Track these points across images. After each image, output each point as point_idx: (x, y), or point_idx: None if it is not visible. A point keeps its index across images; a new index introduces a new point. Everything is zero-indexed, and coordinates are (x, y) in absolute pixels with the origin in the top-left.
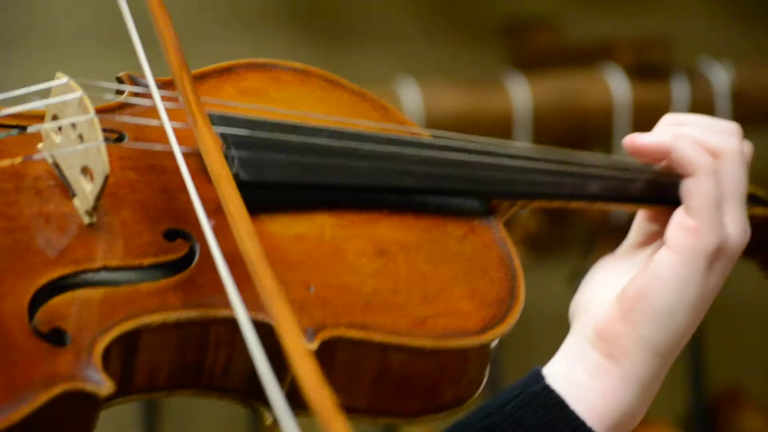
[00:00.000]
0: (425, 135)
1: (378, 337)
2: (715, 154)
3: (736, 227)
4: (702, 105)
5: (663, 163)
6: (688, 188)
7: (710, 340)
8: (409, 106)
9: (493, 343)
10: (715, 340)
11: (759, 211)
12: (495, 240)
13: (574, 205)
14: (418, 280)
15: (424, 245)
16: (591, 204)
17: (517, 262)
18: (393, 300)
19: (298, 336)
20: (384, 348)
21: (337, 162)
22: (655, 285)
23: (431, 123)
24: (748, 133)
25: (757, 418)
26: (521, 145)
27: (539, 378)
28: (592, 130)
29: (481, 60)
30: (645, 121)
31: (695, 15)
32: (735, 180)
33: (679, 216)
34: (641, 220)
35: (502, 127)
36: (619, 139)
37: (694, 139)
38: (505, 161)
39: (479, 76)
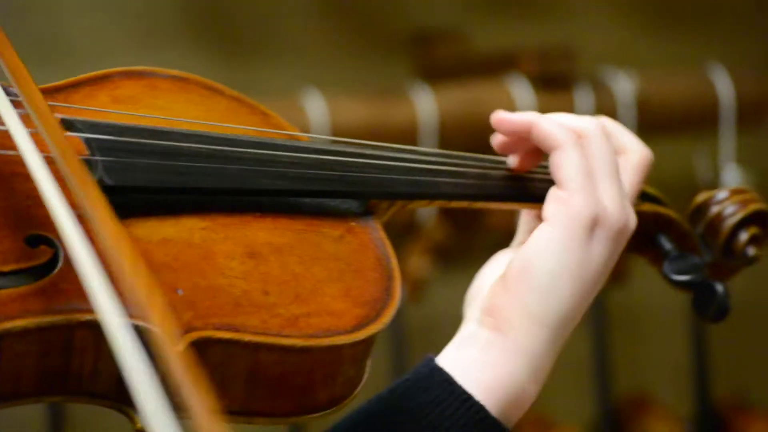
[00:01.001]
0: (304, 138)
1: (247, 338)
2: (578, 134)
3: (612, 200)
4: (606, 114)
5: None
6: (555, 161)
7: (616, 346)
8: (314, 118)
9: (370, 341)
10: (622, 346)
11: (647, 207)
12: (372, 240)
13: (455, 204)
14: (290, 281)
15: (298, 246)
16: (472, 203)
17: (394, 262)
18: (264, 300)
19: (170, 338)
20: (255, 348)
21: (207, 166)
22: (535, 256)
23: (337, 134)
24: (652, 141)
25: (663, 424)
26: (403, 147)
27: (429, 361)
28: None
29: (387, 71)
30: None
31: (599, 25)
32: (602, 155)
33: (552, 191)
34: (526, 219)
35: (408, 138)
36: None
37: (557, 118)
38: (382, 162)
39: (385, 87)
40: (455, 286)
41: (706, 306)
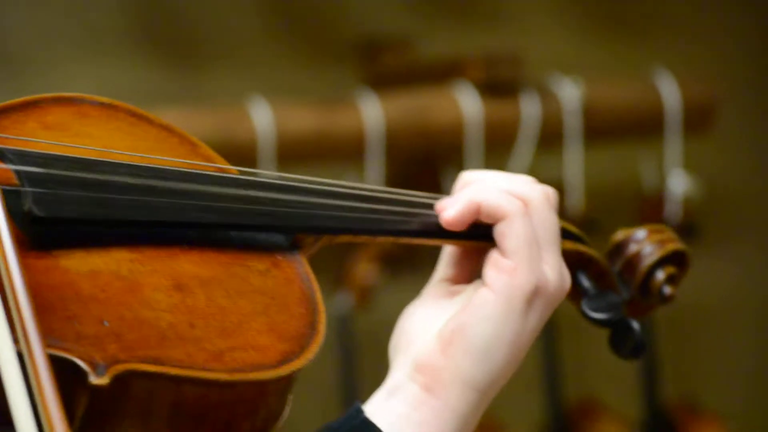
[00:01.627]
0: (233, 171)
1: (172, 371)
2: (523, 201)
3: (552, 269)
4: (552, 120)
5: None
6: (502, 230)
7: (566, 351)
8: (260, 126)
9: (294, 376)
10: (571, 351)
11: (569, 245)
12: (298, 274)
13: (381, 240)
14: (216, 314)
15: (225, 280)
16: (397, 239)
17: (318, 296)
18: (190, 334)
19: (44, 374)
20: (179, 381)
21: (135, 198)
22: (473, 321)
23: (283, 142)
24: (597, 147)
25: (612, 429)
26: (332, 181)
27: (359, 411)
28: (444, 146)
29: (335, 79)
30: (496, 137)
31: (545, 32)
32: (546, 224)
33: (495, 257)
34: (449, 255)
35: (354, 146)
36: (470, 155)
37: (500, 187)
38: (309, 198)
39: (332, 95)
40: (403, 293)
41: (623, 343)
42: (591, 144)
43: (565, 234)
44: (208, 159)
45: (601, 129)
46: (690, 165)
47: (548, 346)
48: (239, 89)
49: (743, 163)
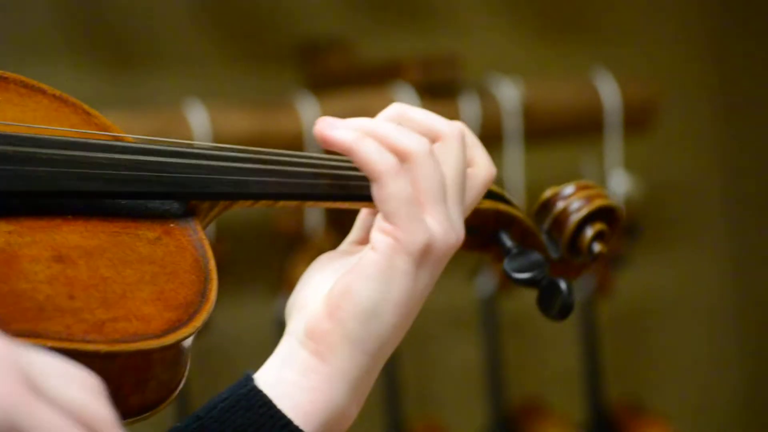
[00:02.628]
0: (128, 139)
1: (49, 344)
2: (403, 156)
3: (441, 225)
4: (492, 121)
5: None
6: (376, 195)
7: (508, 352)
8: (197, 129)
9: (185, 345)
10: (514, 353)
11: (487, 204)
12: (191, 242)
13: (282, 204)
14: (99, 285)
15: (110, 249)
16: (302, 203)
17: (212, 264)
18: (69, 305)
19: None
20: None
21: (11, 168)
22: (359, 283)
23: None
24: (538, 148)
25: (556, 430)
26: (230, 146)
27: (248, 380)
28: None
29: (274, 82)
30: None
31: (486, 33)
32: (430, 178)
33: (378, 218)
34: (363, 216)
35: (292, 148)
36: None
37: (382, 138)
38: (204, 162)
39: (271, 98)
40: None
41: (550, 304)
42: (531, 144)
43: (486, 193)
44: (103, 128)
45: (541, 129)
46: (631, 165)
47: (491, 347)
48: (178, 92)
49: (684, 163)
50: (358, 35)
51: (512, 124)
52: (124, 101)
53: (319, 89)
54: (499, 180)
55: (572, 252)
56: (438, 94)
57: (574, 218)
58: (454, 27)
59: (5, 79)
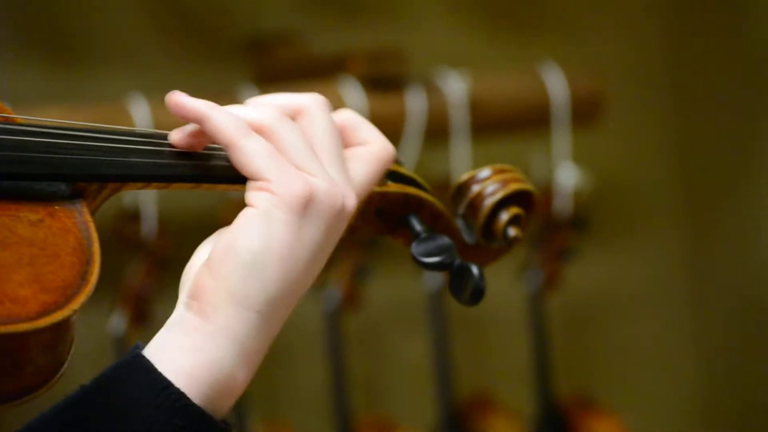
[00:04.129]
0: (18, 120)
1: None
2: (296, 112)
3: (321, 179)
4: (439, 115)
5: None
6: (236, 161)
7: (458, 346)
8: (140, 124)
9: (60, 328)
10: (463, 346)
11: (395, 187)
12: (76, 224)
13: (175, 186)
14: None
15: None
16: (197, 185)
17: (96, 247)
18: None
19: None
20: None
21: None
22: (238, 236)
23: None
24: (485, 141)
25: (506, 424)
26: (130, 129)
27: (136, 348)
28: None
29: (221, 76)
30: (381, 131)
31: (433, 26)
32: (289, 139)
33: (249, 183)
34: None
35: None
36: None
37: (233, 110)
38: (92, 143)
39: (217, 92)
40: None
41: (461, 288)
42: (479, 138)
43: (393, 176)
44: None
45: (489, 123)
46: (580, 158)
47: (440, 341)
48: (123, 87)
49: (634, 156)
50: (306, 29)
51: (459, 117)
52: (69, 96)
53: (265, 83)
54: (445, 174)
55: (487, 237)
56: (384, 87)
57: (489, 202)
58: (402, 20)
59: None
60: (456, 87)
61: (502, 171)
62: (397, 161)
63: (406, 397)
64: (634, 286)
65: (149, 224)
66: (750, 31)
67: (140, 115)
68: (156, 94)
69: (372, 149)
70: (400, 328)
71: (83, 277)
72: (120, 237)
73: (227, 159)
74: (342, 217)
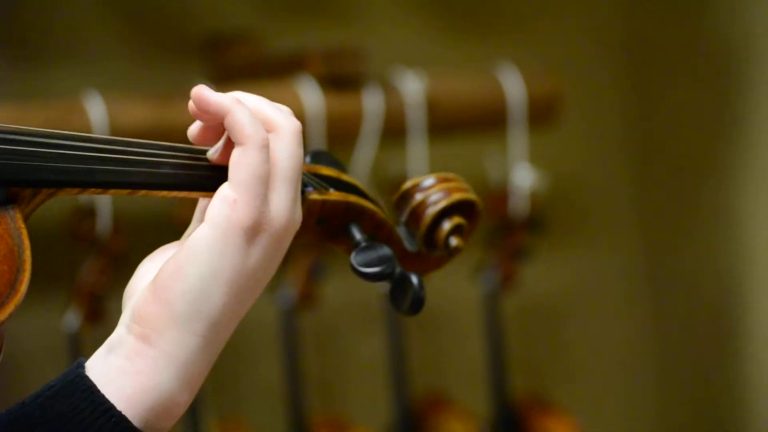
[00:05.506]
0: None
1: None
2: (270, 128)
3: (281, 207)
4: (395, 114)
5: (218, 145)
6: (236, 159)
7: (413, 345)
8: (95, 121)
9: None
10: (418, 345)
11: (336, 195)
12: (7, 230)
13: (112, 192)
14: None
15: None
16: (134, 192)
17: (27, 255)
18: None
19: None
20: None
21: None
22: (188, 260)
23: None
24: (442, 141)
25: (460, 423)
26: (71, 134)
27: (78, 366)
28: None
29: (178, 75)
30: (338, 131)
31: (391, 26)
32: (288, 158)
33: (223, 189)
34: (202, 207)
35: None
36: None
37: (255, 108)
38: (26, 148)
39: (174, 90)
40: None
41: (402, 298)
42: (435, 138)
43: (336, 183)
44: None
45: (445, 123)
46: (536, 159)
47: (395, 340)
48: (78, 85)
49: (591, 157)
50: (264, 29)
51: (416, 117)
52: (23, 93)
53: (223, 82)
54: (402, 174)
55: (429, 245)
56: (341, 86)
57: (431, 211)
58: (359, 20)
59: None
60: (413, 87)
61: (446, 180)
62: (340, 168)
63: (361, 395)
64: (590, 286)
65: (104, 221)
66: (711, 31)
67: (95, 113)
68: (112, 91)
69: (288, 130)
70: (356, 327)
71: (12, 286)
72: (74, 234)
73: (170, 166)
74: (289, 237)
